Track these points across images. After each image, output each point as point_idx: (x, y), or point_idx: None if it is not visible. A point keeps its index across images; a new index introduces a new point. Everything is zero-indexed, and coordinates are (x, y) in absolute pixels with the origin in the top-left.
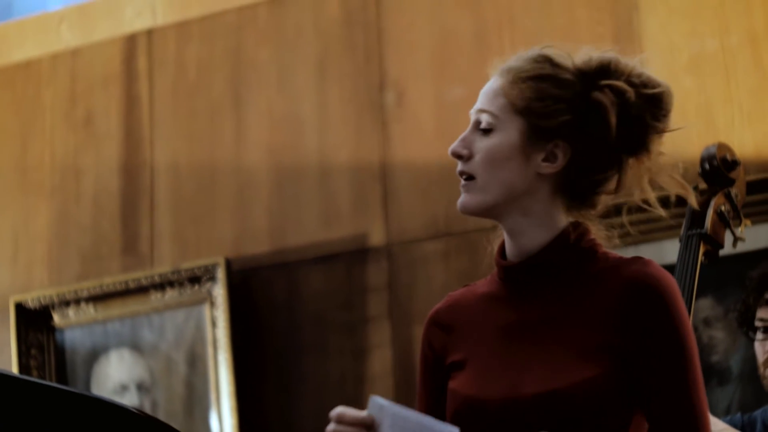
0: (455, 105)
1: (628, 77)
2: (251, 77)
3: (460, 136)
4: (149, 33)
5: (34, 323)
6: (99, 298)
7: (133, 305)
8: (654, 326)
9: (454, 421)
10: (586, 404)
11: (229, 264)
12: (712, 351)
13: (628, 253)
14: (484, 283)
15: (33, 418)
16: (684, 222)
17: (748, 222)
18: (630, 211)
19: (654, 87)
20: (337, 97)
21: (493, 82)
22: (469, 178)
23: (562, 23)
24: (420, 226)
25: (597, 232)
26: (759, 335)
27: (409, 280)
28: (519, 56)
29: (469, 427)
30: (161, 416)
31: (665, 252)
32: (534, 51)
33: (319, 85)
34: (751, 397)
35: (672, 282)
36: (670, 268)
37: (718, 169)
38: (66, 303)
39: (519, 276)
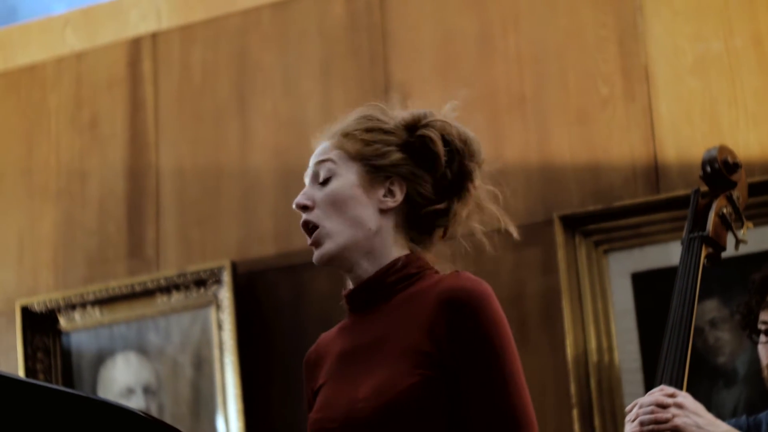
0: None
1: (443, 123)
2: (256, 80)
3: (302, 191)
4: (154, 36)
5: (40, 327)
6: (105, 302)
7: (139, 308)
8: (462, 333)
9: None
10: (411, 414)
11: (234, 267)
12: (719, 353)
13: (634, 255)
14: (348, 318)
15: (40, 422)
16: (686, 225)
17: (750, 224)
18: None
19: (466, 133)
20: (342, 99)
21: (321, 145)
22: (314, 227)
23: (566, 25)
24: None
25: (436, 257)
26: (762, 338)
27: None
28: (341, 121)
29: None
30: (168, 419)
31: (671, 253)
32: (355, 113)
33: (324, 87)
34: (757, 399)
35: (482, 290)
36: (674, 270)
37: (719, 171)
38: (72, 306)
39: (354, 300)
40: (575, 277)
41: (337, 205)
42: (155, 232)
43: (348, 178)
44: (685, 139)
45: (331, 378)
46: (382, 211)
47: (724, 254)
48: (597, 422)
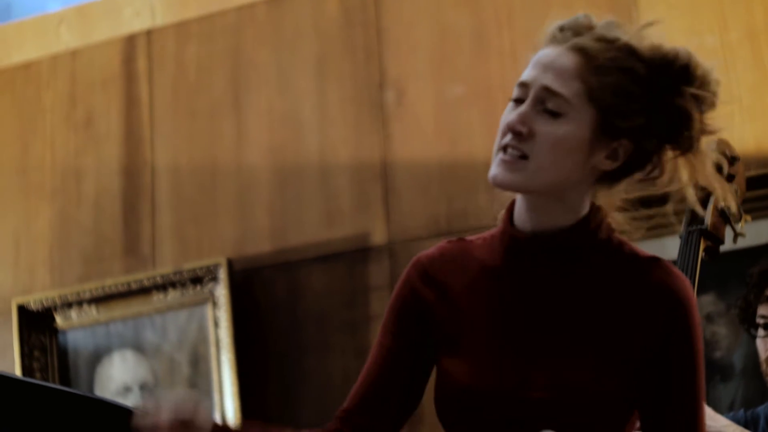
0: (455, 103)
1: (702, 84)
2: (251, 77)
3: (518, 110)
4: (148, 33)
5: (36, 325)
6: (101, 300)
7: (135, 306)
8: (677, 341)
9: (447, 407)
10: (598, 416)
11: (230, 264)
12: (715, 347)
13: None
14: (483, 245)
15: (37, 421)
16: (684, 218)
17: (749, 218)
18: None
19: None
20: (337, 96)
21: (562, 56)
22: (523, 157)
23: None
24: (421, 225)
25: (612, 216)
26: (761, 332)
27: None
28: (589, 35)
29: (465, 419)
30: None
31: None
32: (607, 30)
33: (318, 84)
34: (754, 394)
35: (692, 295)
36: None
37: (717, 165)
38: (68, 305)
39: (530, 251)
40: None
41: (558, 151)
42: (151, 229)
43: (580, 126)
44: None
45: (485, 336)
46: (593, 170)
47: (721, 248)
48: None
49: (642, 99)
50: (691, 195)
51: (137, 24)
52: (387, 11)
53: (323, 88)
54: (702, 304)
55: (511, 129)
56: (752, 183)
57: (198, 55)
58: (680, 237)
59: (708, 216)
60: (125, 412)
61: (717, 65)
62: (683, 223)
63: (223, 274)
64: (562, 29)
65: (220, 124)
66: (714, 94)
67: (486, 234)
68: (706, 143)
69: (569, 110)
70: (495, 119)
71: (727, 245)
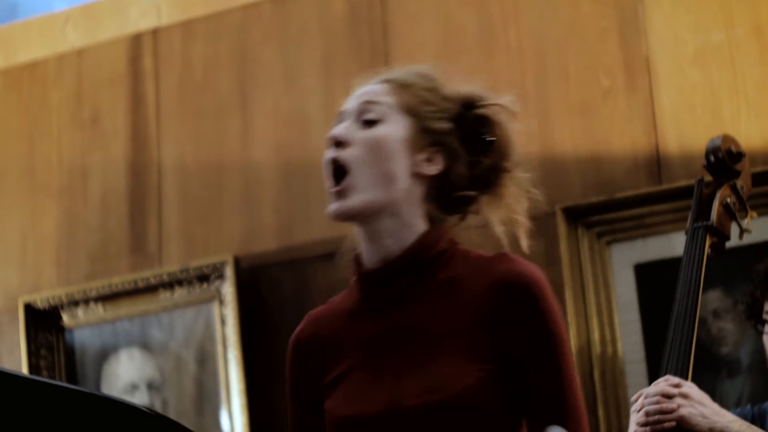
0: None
1: (501, 109)
2: (257, 75)
3: (340, 125)
4: (155, 32)
5: (43, 324)
6: (108, 298)
7: (142, 304)
8: (527, 324)
9: None
10: (469, 412)
11: (237, 262)
12: (722, 343)
13: (636, 246)
14: (344, 297)
15: (43, 419)
16: (690, 215)
17: (754, 214)
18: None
19: (512, 134)
20: (343, 94)
21: (374, 85)
22: (343, 169)
23: (567, 18)
24: None
25: (455, 233)
26: (767, 328)
27: None
28: (396, 70)
29: None
30: (172, 415)
31: (674, 244)
32: (412, 69)
33: (325, 82)
34: (761, 389)
35: (540, 277)
36: (679, 260)
37: (723, 161)
38: (75, 303)
39: (381, 282)
40: (578, 268)
41: (378, 152)
42: (157, 227)
43: (396, 128)
44: (686, 130)
45: (357, 369)
46: (415, 176)
47: (727, 244)
48: (600, 413)
49: (449, 111)
50: (500, 232)
51: (143, 23)
52: (393, 9)
53: (329, 86)
54: (709, 300)
55: (333, 139)
56: (758, 179)
57: (204, 54)
58: (686, 233)
59: (713, 212)
60: (132, 410)
61: (723, 61)
62: (689, 220)
63: (229, 271)
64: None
65: (227, 122)
66: (505, 114)
67: (343, 291)
68: (513, 186)
69: (386, 116)
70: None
71: (733, 241)
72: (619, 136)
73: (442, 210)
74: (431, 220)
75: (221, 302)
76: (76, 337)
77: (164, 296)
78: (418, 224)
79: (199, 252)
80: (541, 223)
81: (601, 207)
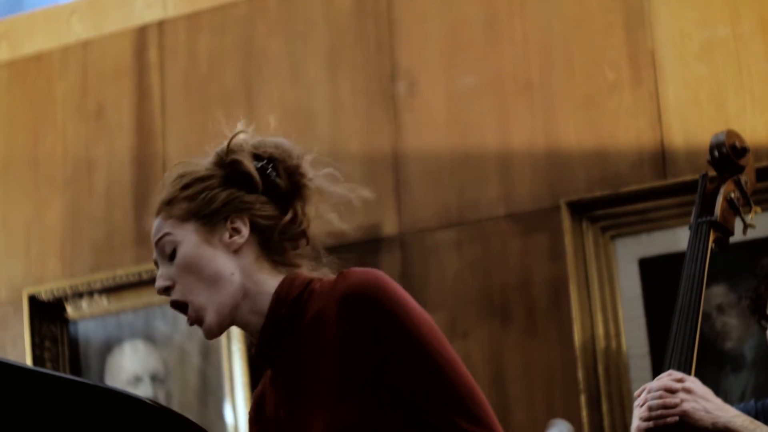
0: (467, 94)
1: (243, 141)
2: (262, 68)
3: (158, 275)
4: (160, 24)
5: (47, 315)
6: (112, 290)
7: (146, 297)
8: (379, 331)
9: None
10: None
11: None
12: (726, 338)
13: (641, 240)
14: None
15: (48, 410)
16: (694, 210)
17: (758, 209)
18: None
19: (272, 139)
20: (348, 87)
21: (155, 222)
22: (184, 305)
23: (572, 11)
24: (432, 216)
25: (309, 267)
26: None
27: (422, 269)
28: (160, 192)
29: None
30: (175, 407)
31: (679, 239)
32: (167, 178)
33: (330, 75)
34: (765, 384)
35: (374, 280)
36: (682, 255)
37: (727, 156)
38: (79, 295)
39: (263, 356)
40: (582, 263)
41: (192, 270)
42: None
43: (189, 240)
44: (692, 125)
45: (269, 427)
46: (236, 252)
47: (731, 239)
48: (604, 408)
49: (215, 185)
50: (334, 219)
51: (149, 15)
52: (398, 2)
53: (335, 79)
54: (712, 295)
55: (160, 291)
56: (763, 174)
57: (209, 46)
58: (690, 228)
59: (717, 207)
60: (136, 402)
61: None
62: (693, 215)
63: None
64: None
65: (232, 115)
66: (246, 143)
67: None
68: (309, 177)
69: (175, 239)
70: (507, 110)
71: (737, 236)
72: (624, 131)
73: (282, 252)
74: (282, 269)
75: None
76: (80, 329)
77: None
78: (268, 285)
79: None
80: (546, 218)
81: (605, 201)
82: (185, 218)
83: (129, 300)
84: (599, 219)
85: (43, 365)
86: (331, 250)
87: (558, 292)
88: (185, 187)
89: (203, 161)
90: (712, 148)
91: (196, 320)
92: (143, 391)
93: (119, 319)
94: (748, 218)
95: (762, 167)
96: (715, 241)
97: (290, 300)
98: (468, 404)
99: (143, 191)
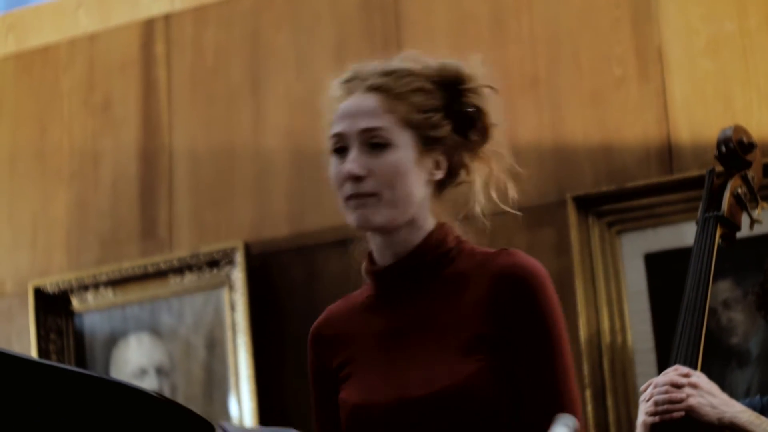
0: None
1: (472, 78)
2: (269, 61)
3: (349, 157)
4: (167, 18)
5: (53, 308)
6: (118, 283)
7: (151, 289)
8: (524, 314)
9: (347, 430)
10: (472, 401)
11: (247, 248)
12: (732, 333)
13: (647, 235)
14: (361, 293)
15: (52, 403)
16: (700, 205)
17: (765, 204)
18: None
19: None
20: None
21: (364, 100)
22: (371, 195)
23: (579, 7)
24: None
25: (459, 229)
26: None
27: None
28: (376, 74)
29: None
30: (180, 400)
31: (683, 234)
32: (388, 66)
33: (337, 69)
34: None
35: (539, 269)
36: (687, 251)
37: (734, 151)
38: (85, 287)
39: (391, 279)
40: (588, 257)
41: (396, 178)
42: (168, 213)
43: (407, 150)
44: (698, 120)
45: (368, 360)
46: (427, 183)
47: (738, 234)
48: (610, 403)
49: (440, 108)
50: (488, 194)
51: (155, 8)
52: None
53: (341, 72)
54: (719, 291)
55: (349, 176)
56: None
57: (216, 40)
58: (696, 223)
59: (724, 202)
60: (141, 395)
61: (736, 51)
62: (699, 210)
63: (239, 257)
64: (348, 81)
65: (238, 108)
66: (486, 88)
67: (363, 286)
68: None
69: (392, 138)
70: (513, 105)
71: (744, 232)
72: (631, 126)
73: (442, 200)
74: (435, 210)
75: (231, 288)
76: (85, 321)
77: (174, 281)
78: (427, 224)
79: (210, 238)
80: (552, 212)
81: (612, 196)
82: (407, 125)
83: (134, 293)
84: (605, 214)
85: (48, 358)
86: (336, 243)
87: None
88: (417, 92)
89: (427, 68)
90: (719, 144)
91: (362, 205)
92: (148, 384)
93: (125, 312)
94: (755, 214)
95: None
96: (721, 236)
97: (441, 251)
98: (573, 406)
99: (149, 184)
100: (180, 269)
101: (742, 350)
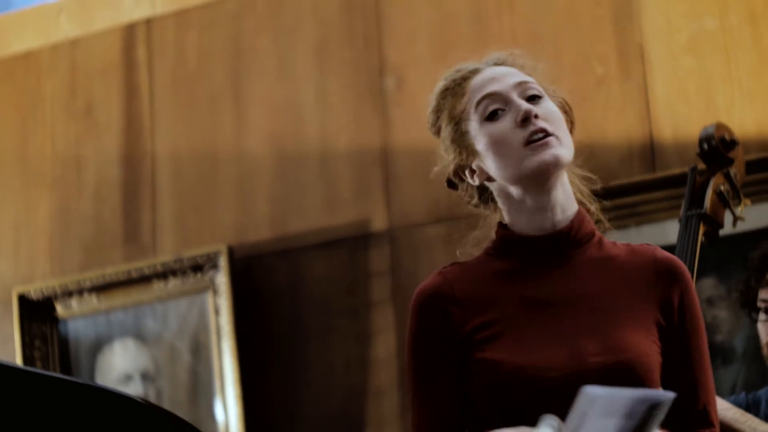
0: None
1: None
2: (251, 65)
3: (519, 103)
4: (148, 22)
5: (37, 314)
6: (102, 288)
7: (135, 294)
8: (683, 307)
9: (498, 392)
10: (645, 376)
11: (231, 252)
12: (716, 330)
13: (630, 233)
14: (481, 262)
15: (37, 410)
16: (683, 202)
17: (748, 201)
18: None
19: None
20: (337, 83)
21: (500, 68)
22: (553, 135)
23: (561, 6)
24: (422, 211)
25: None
26: (762, 316)
27: (412, 264)
28: (493, 58)
29: (523, 396)
30: (166, 405)
31: (666, 232)
32: (521, 54)
33: (319, 71)
34: (755, 377)
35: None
36: (670, 248)
37: (716, 149)
38: (69, 293)
39: (543, 248)
40: None
41: (561, 124)
42: (151, 218)
43: (555, 106)
44: (680, 118)
45: (520, 324)
46: None
47: (721, 232)
48: None
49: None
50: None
51: (137, 12)
52: None
53: (323, 75)
54: (702, 288)
55: (528, 115)
56: (752, 166)
57: (198, 44)
58: (679, 221)
59: (707, 200)
60: (126, 401)
61: (717, 48)
62: (682, 208)
63: (223, 261)
64: (461, 70)
65: (221, 112)
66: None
67: (476, 257)
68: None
69: (544, 91)
70: None
71: (727, 229)
72: (613, 124)
73: None
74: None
75: (215, 292)
76: (70, 327)
77: (158, 286)
78: (574, 197)
79: (193, 242)
80: None
81: (594, 194)
82: (545, 91)
83: (119, 298)
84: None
85: (33, 364)
86: (320, 246)
87: None
88: (542, 74)
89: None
90: (701, 141)
91: (556, 144)
92: (134, 389)
93: (109, 318)
94: (738, 211)
95: (751, 160)
96: (705, 234)
97: (589, 229)
98: (713, 401)
99: (132, 189)
100: (164, 274)
101: (726, 348)
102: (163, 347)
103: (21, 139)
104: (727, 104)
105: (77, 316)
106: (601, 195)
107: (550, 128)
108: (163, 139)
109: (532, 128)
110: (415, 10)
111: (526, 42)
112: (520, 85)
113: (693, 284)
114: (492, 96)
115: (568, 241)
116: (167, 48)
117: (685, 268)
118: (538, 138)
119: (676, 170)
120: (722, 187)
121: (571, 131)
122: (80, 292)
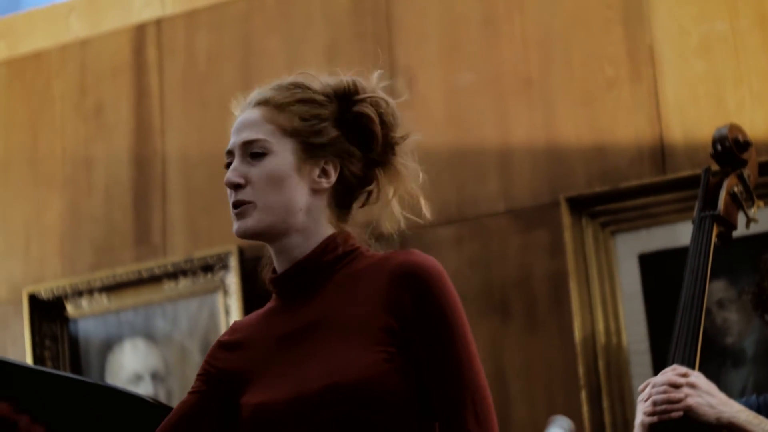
0: (465, 91)
1: (368, 91)
2: (261, 66)
3: (230, 169)
4: (158, 23)
5: (47, 314)
6: (112, 288)
7: (146, 295)
8: (422, 310)
9: (247, 431)
10: (371, 392)
11: (241, 252)
12: (726, 333)
13: (641, 236)
14: (267, 306)
15: (49, 409)
16: (696, 204)
17: (761, 203)
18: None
19: (394, 106)
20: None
21: (249, 114)
22: (248, 203)
23: (571, 8)
24: (432, 212)
25: (360, 237)
26: None
27: None
28: (267, 89)
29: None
30: (176, 405)
31: (679, 234)
32: (282, 81)
33: (328, 72)
34: (766, 379)
35: (435, 266)
36: (683, 250)
37: (730, 150)
38: (79, 293)
39: (287, 284)
40: (582, 258)
41: (273, 185)
42: (162, 218)
43: (284, 156)
44: (690, 120)
45: (268, 363)
46: (314, 191)
47: (733, 233)
48: (605, 404)
49: (328, 117)
50: (397, 210)
51: (147, 13)
52: None
53: (333, 75)
54: (713, 291)
55: (229, 184)
56: (765, 168)
57: (208, 44)
58: (693, 222)
59: (720, 201)
60: (136, 401)
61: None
62: (696, 209)
63: (233, 262)
64: (243, 101)
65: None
66: (382, 99)
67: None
68: (402, 159)
69: (271, 148)
70: (505, 107)
71: (740, 231)
72: (624, 126)
73: (345, 209)
74: (337, 223)
75: (225, 293)
76: (80, 327)
77: (168, 287)
78: (323, 232)
79: (203, 242)
80: (546, 213)
81: (605, 197)
82: (289, 134)
83: (129, 298)
84: (599, 215)
85: (43, 364)
86: None
87: (558, 287)
88: (301, 102)
89: (322, 82)
90: (714, 142)
91: (241, 213)
92: (144, 389)
93: (119, 318)
94: (751, 212)
95: (764, 162)
96: (718, 235)
97: (339, 253)
98: (477, 404)
99: (142, 189)
100: (174, 274)
101: (737, 350)
102: (173, 347)
103: (31, 140)
104: (738, 106)
105: (87, 316)
106: (611, 197)
107: (249, 197)
108: (173, 140)
109: (231, 199)
110: (425, 12)
111: (536, 44)
112: (246, 145)
113: (441, 281)
114: (228, 153)
115: (312, 269)
116: (177, 48)
117: (426, 264)
118: (235, 207)
119: (687, 172)
120: (736, 189)
121: (387, 147)
122: (90, 292)
